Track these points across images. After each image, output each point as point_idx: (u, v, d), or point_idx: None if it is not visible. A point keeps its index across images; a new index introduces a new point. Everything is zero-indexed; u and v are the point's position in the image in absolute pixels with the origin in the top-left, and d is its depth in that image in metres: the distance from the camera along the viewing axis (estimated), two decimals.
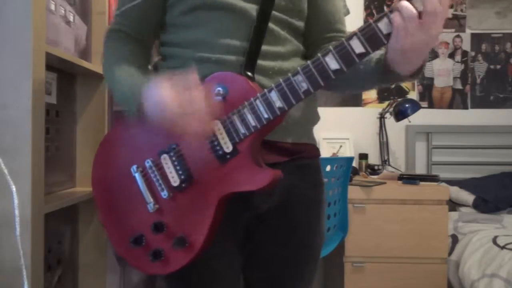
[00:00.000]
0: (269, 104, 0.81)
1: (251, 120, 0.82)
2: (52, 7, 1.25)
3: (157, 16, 0.98)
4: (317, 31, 1.01)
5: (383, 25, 0.75)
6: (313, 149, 1.03)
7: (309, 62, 0.80)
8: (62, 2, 1.32)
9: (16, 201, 0.83)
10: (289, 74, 0.81)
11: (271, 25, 0.91)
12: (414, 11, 0.72)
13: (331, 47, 0.78)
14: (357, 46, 0.76)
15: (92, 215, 1.49)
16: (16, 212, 0.83)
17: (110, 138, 0.99)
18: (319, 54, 0.79)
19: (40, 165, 1.07)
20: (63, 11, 1.32)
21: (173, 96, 0.78)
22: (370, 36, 0.76)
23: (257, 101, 0.82)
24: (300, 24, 0.98)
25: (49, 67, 1.25)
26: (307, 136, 1.01)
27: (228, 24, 0.90)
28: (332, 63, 0.78)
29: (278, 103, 0.81)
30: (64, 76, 1.41)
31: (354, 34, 0.76)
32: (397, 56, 0.78)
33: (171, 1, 0.94)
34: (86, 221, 1.50)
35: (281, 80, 0.81)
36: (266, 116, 0.82)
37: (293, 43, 0.96)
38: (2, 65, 1.01)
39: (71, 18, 1.37)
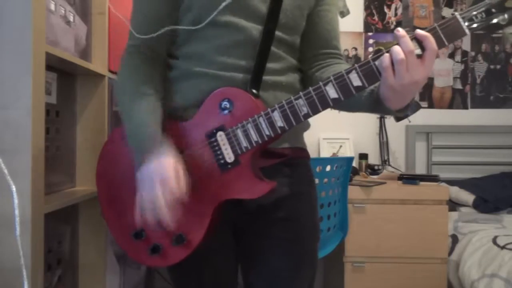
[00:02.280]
0: (271, 123, 0.89)
1: (253, 135, 0.90)
2: (52, 7, 1.25)
3: (173, 29, 0.99)
4: (313, 47, 1.06)
5: (379, 63, 0.82)
6: (302, 151, 1.08)
7: (310, 88, 0.87)
8: (62, 2, 1.32)
9: (16, 201, 0.83)
10: (292, 97, 0.88)
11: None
12: (402, 55, 0.79)
13: (331, 77, 0.85)
14: (355, 80, 0.84)
15: (92, 215, 1.49)
16: (16, 212, 0.83)
17: (117, 135, 1.02)
18: (320, 83, 0.86)
19: (40, 165, 1.06)
20: (63, 11, 1.32)
21: (160, 191, 0.86)
22: (367, 72, 0.84)
23: (260, 119, 0.89)
24: (297, 40, 1.03)
25: (49, 67, 1.25)
26: (298, 141, 1.06)
27: (228, 42, 0.94)
28: (332, 92, 0.86)
29: (279, 122, 0.89)
30: (64, 76, 1.41)
31: (353, 68, 0.84)
32: (387, 93, 0.85)
33: (182, 9, 0.96)
34: (86, 221, 1.50)
35: (284, 101, 0.88)
36: (267, 133, 0.89)
37: (287, 59, 1.01)
38: (2, 65, 1.01)
39: (71, 18, 1.37)
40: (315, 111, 0.87)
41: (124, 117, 0.96)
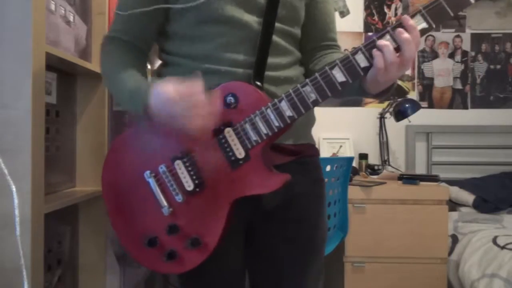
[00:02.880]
0: (279, 113, 0.86)
1: (262, 128, 0.87)
2: (52, 7, 1.25)
3: (158, 24, 1.00)
4: (312, 40, 1.06)
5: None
6: (312, 149, 1.07)
7: (317, 74, 0.85)
8: (62, 2, 1.32)
9: (16, 201, 0.83)
10: (298, 85, 0.86)
11: (274, 36, 0.95)
12: (396, 57, 0.79)
13: (337, 61, 0.83)
14: (362, 60, 0.82)
15: (92, 215, 1.49)
16: (16, 212, 0.83)
17: (120, 143, 1.00)
18: (326, 67, 0.84)
19: (40, 165, 1.06)
20: (63, 11, 1.32)
21: (178, 95, 0.81)
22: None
23: (268, 110, 0.87)
24: (298, 32, 1.03)
25: (49, 67, 1.25)
26: (306, 137, 1.05)
27: (233, 39, 0.94)
28: (339, 75, 0.84)
29: (288, 112, 0.86)
30: (64, 76, 1.41)
31: (359, 49, 0.82)
32: (371, 82, 0.85)
33: (175, 11, 0.96)
34: (86, 221, 1.50)
35: (290, 90, 0.86)
36: (277, 124, 0.87)
37: (293, 52, 1.01)
38: (2, 65, 1.01)
39: (71, 18, 1.37)
40: (324, 96, 0.85)
41: (113, 88, 0.96)
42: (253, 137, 0.87)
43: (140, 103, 0.87)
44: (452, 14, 0.80)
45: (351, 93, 0.95)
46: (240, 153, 0.88)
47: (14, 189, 0.83)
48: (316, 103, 0.86)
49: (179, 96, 0.81)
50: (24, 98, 1.01)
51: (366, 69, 0.83)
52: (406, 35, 0.79)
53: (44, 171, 1.08)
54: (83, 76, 1.49)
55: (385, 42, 0.80)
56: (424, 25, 0.80)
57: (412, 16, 0.81)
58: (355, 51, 0.83)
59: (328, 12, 1.07)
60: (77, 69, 1.40)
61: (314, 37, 1.06)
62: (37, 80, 1.04)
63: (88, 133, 1.49)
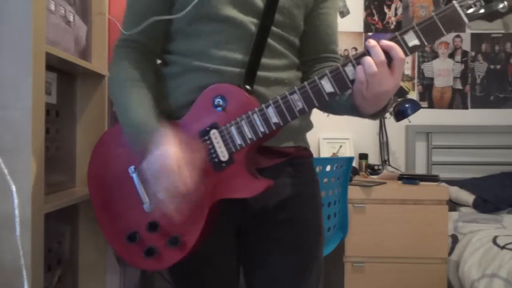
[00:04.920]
0: (265, 119, 0.86)
1: (247, 132, 0.87)
2: (52, 7, 1.25)
3: (165, 23, 0.99)
4: (313, 50, 1.05)
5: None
6: (306, 151, 1.06)
7: (305, 83, 0.85)
8: (62, 2, 1.32)
9: (16, 201, 0.83)
10: (286, 92, 0.85)
11: (269, 40, 0.95)
12: (375, 68, 0.79)
13: (327, 71, 0.83)
14: (351, 72, 0.82)
15: (92, 215, 1.49)
16: (16, 212, 0.83)
17: (108, 137, 1.02)
18: (315, 77, 0.84)
19: (40, 165, 1.06)
20: (63, 11, 1.32)
21: (176, 169, 0.83)
22: None
23: (255, 115, 0.87)
24: (295, 39, 1.02)
25: (49, 67, 1.25)
26: (301, 140, 1.05)
27: (227, 37, 0.93)
28: (327, 86, 0.84)
29: (274, 118, 0.86)
30: (64, 76, 1.41)
31: (349, 61, 0.82)
32: (359, 101, 0.86)
33: (176, 8, 0.96)
34: (86, 221, 1.50)
35: (278, 97, 0.86)
36: (262, 130, 0.87)
37: (288, 57, 1.00)
38: (2, 65, 1.01)
39: (71, 18, 1.37)
40: (311, 105, 0.85)
41: (120, 108, 0.95)
42: (238, 140, 0.88)
43: (138, 144, 0.89)
44: (445, 33, 0.79)
45: (346, 112, 0.96)
46: (224, 155, 0.89)
47: (14, 189, 0.83)
48: (302, 112, 0.86)
49: (176, 170, 0.83)
50: (24, 98, 1.01)
51: (354, 82, 0.83)
52: (372, 42, 0.81)
53: (44, 171, 1.08)
54: (83, 76, 1.49)
55: (367, 56, 0.81)
56: (416, 42, 0.80)
57: (405, 33, 0.80)
58: (345, 62, 0.83)
59: (329, 23, 1.06)
60: (77, 69, 1.40)
61: (315, 48, 1.05)
62: (37, 80, 1.04)
63: (88, 133, 1.49)
